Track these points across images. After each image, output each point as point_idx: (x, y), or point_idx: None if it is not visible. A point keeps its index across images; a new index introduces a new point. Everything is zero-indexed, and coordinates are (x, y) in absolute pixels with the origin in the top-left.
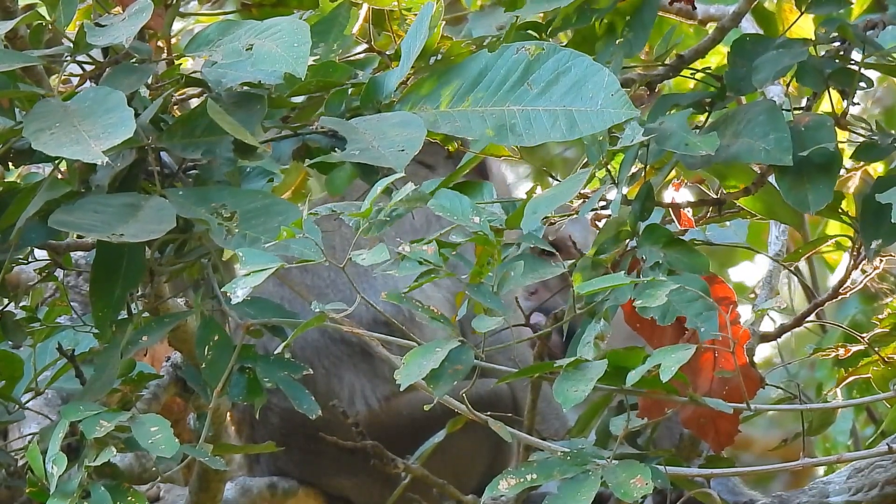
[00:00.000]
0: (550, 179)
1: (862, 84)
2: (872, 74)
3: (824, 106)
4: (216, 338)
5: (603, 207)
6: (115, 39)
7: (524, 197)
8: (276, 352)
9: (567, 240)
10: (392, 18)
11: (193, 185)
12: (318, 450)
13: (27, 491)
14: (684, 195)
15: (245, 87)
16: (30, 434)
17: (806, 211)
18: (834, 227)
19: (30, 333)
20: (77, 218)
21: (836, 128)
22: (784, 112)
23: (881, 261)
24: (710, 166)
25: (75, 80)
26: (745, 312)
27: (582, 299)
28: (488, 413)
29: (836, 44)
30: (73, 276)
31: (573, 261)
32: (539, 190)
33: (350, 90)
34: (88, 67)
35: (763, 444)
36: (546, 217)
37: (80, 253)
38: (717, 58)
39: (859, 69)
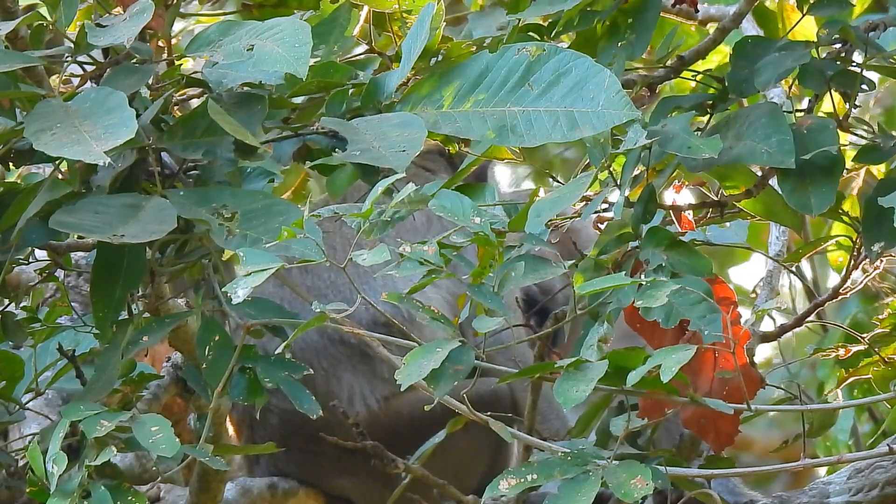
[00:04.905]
0: (551, 181)
1: (864, 86)
2: (873, 76)
3: (826, 107)
4: (217, 338)
5: (605, 210)
6: (115, 40)
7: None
8: (276, 352)
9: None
10: (392, 20)
11: (194, 185)
12: (318, 450)
13: (27, 491)
14: (685, 197)
15: (246, 88)
16: (30, 434)
17: (809, 213)
18: (840, 227)
19: (30, 334)
20: (78, 219)
21: (838, 130)
22: (785, 114)
23: (882, 260)
24: (712, 168)
25: (76, 81)
26: (745, 313)
27: (584, 300)
28: (488, 413)
29: (838, 45)
30: (74, 276)
31: (573, 261)
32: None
33: (351, 91)
34: (89, 68)
35: (763, 444)
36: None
37: (80, 253)
38: (719, 57)
39: (861, 71)
